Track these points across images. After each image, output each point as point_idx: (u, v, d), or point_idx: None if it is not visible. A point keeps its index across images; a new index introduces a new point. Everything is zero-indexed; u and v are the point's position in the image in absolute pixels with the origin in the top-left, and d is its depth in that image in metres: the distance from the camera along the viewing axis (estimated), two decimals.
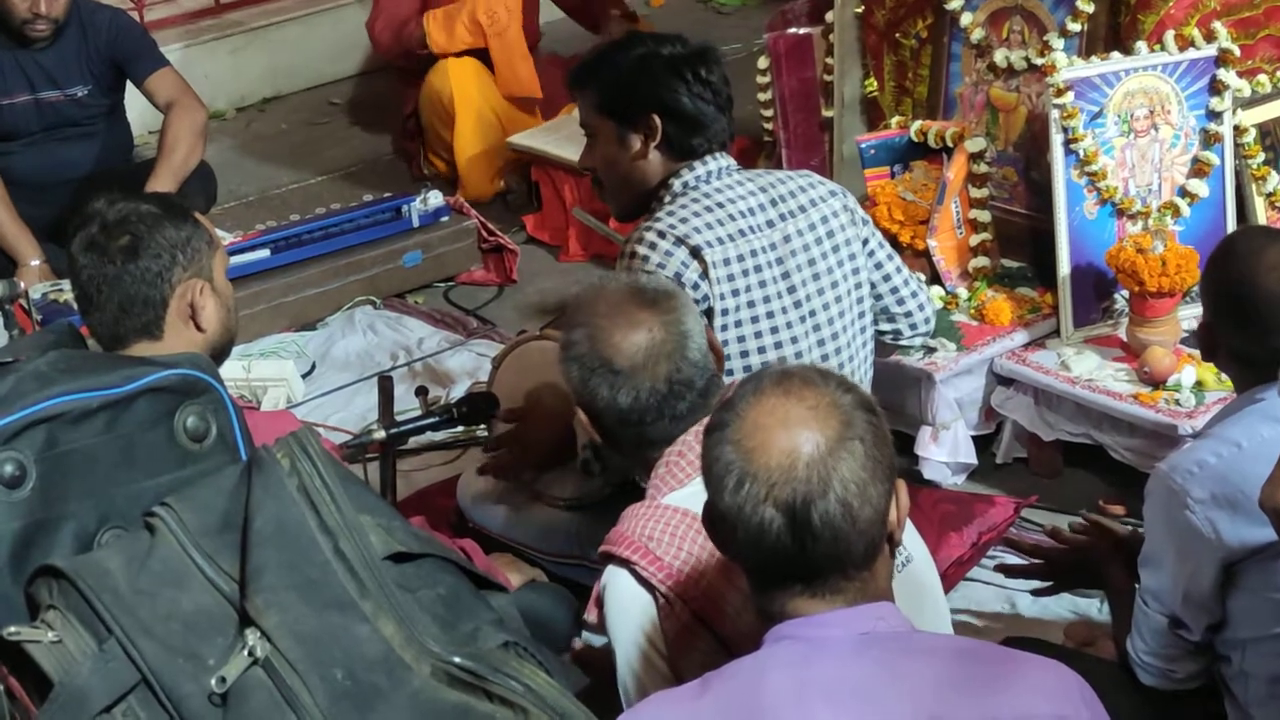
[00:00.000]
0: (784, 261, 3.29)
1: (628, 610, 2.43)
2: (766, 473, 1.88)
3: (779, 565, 1.90)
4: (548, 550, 3.53)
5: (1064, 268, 3.99)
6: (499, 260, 5.29)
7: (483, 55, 5.69)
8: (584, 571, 3.41)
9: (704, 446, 1.96)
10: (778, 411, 1.91)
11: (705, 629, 2.33)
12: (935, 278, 4.21)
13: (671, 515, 2.45)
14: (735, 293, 3.25)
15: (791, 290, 3.30)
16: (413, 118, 5.90)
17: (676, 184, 3.30)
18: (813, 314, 3.32)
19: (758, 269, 3.26)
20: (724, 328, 3.25)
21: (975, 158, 4.16)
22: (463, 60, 5.66)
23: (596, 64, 3.38)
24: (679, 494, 2.49)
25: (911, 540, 2.62)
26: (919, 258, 4.21)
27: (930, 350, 3.98)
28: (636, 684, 2.43)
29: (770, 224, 3.29)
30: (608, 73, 3.34)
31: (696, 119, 3.29)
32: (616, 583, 2.45)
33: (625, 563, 2.44)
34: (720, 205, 3.26)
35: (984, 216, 4.21)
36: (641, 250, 3.22)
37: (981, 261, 4.23)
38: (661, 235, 3.23)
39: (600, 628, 2.49)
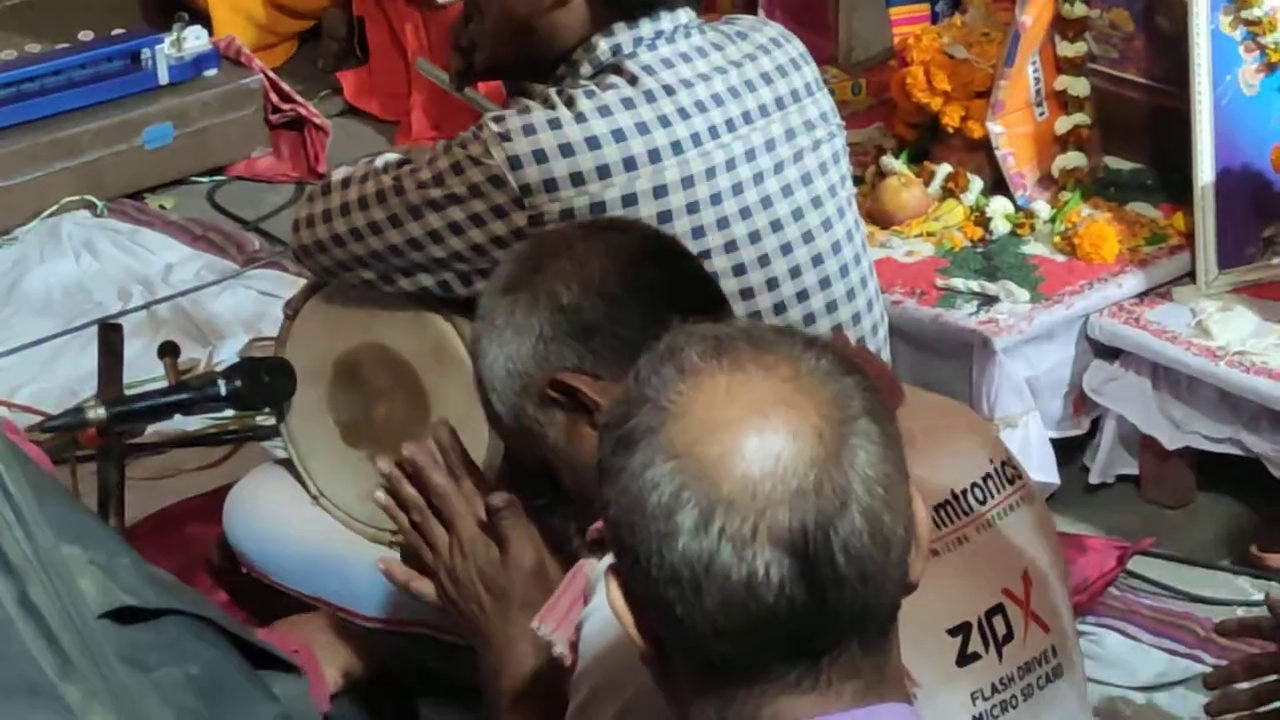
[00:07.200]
0: (763, 180, 2.99)
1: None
2: (748, 495, 1.64)
3: (773, 640, 1.66)
4: (375, 613, 3.10)
5: (1205, 173, 3.78)
6: (298, 142, 5.12)
7: None
8: (433, 649, 3.05)
9: (612, 472, 1.73)
10: (738, 395, 1.67)
11: None
12: (1000, 183, 3.98)
13: None
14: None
15: (776, 226, 2.99)
16: None
17: (604, 47, 2.97)
18: (817, 260, 3.01)
19: (715, 199, 2.96)
20: None
21: None
22: None
23: None
24: None
25: (1060, 641, 2.34)
26: (974, 151, 3.99)
27: (988, 300, 3.72)
28: None
29: (747, 118, 3.03)
30: None
31: None
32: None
33: None
34: (668, 91, 2.95)
35: (1079, 88, 3.99)
36: (497, 155, 2.83)
37: (1074, 160, 4.01)
38: (532, 130, 2.85)
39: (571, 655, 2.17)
